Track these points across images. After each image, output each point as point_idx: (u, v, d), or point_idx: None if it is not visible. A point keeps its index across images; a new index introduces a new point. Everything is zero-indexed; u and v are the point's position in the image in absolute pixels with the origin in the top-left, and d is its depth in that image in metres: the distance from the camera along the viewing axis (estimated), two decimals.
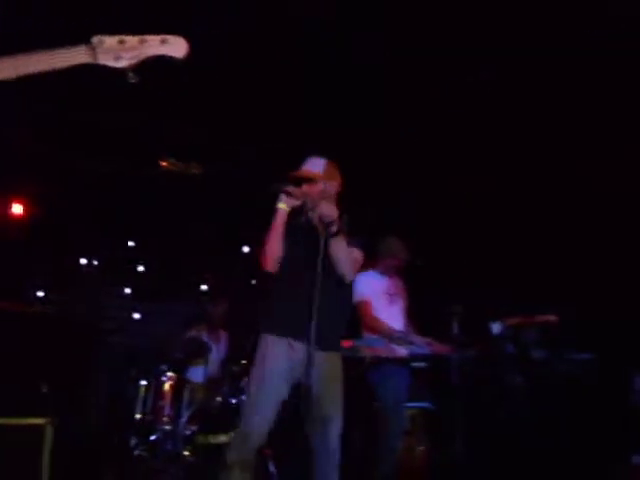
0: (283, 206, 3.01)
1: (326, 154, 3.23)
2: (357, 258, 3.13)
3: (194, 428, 4.46)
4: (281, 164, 3.14)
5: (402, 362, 4.39)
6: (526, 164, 5.26)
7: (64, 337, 4.71)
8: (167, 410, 4.63)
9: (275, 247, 2.99)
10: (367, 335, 4.48)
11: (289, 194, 3.00)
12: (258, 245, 3.07)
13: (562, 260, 5.16)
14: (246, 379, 4.19)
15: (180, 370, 4.88)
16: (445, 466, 4.25)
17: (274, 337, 2.98)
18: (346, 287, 3.12)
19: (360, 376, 4.30)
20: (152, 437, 4.53)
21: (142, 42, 1.74)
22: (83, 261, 6.92)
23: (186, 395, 4.69)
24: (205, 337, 5.21)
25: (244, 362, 4.67)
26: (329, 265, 2.93)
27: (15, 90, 1.73)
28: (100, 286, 6.75)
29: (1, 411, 3.25)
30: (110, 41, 1.74)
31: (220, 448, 4.13)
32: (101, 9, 4.02)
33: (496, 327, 4.40)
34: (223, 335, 5.49)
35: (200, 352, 5.01)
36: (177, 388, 4.74)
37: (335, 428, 2.94)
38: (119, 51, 1.73)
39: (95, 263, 6.91)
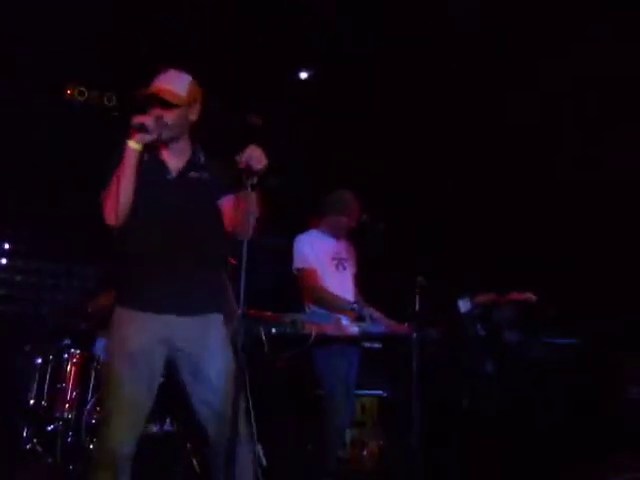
0: (135, 145, 2.72)
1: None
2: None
3: None
4: None
5: (353, 342, 4.24)
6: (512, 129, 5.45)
7: None
8: (69, 394, 4.48)
9: (119, 195, 2.71)
10: (311, 308, 4.34)
11: (142, 127, 2.71)
12: (100, 192, 2.79)
13: (544, 231, 5.20)
14: None
15: (86, 345, 4.71)
16: (400, 464, 4.19)
17: (126, 311, 2.81)
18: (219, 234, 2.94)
19: (302, 357, 4.15)
20: (49, 427, 4.38)
21: None
22: None
23: (92, 376, 4.53)
24: None
25: None
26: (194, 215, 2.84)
27: None
28: None
29: None
30: None
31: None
32: None
33: (464, 304, 4.28)
34: None
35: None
36: (82, 367, 4.59)
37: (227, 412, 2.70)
38: None
39: None
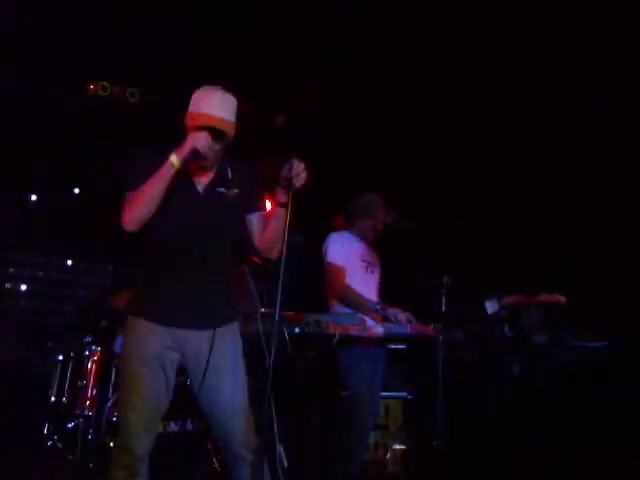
0: (177, 162, 2.74)
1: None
2: None
3: None
4: None
5: (377, 343, 4.24)
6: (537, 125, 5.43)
7: None
8: (89, 391, 4.50)
9: (145, 203, 2.74)
10: (336, 306, 4.34)
11: (197, 153, 2.74)
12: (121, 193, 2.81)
13: (574, 231, 5.13)
14: None
15: (107, 342, 4.76)
16: (424, 469, 4.21)
17: (139, 320, 2.84)
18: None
19: (326, 358, 4.16)
20: (69, 425, 4.42)
21: None
22: None
23: (113, 373, 4.54)
24: None
25: None
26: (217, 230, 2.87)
27: None
28: None
29: None
30: None
31: (156, 439, 3.99)
32: None
33: (492, 305, 4.24)
34: None
35: None
36: (102, 364, 4.63)
37: (238, 420, 2.84)
38: None
39: None
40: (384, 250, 4.62)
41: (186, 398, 3.74)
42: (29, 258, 5.79)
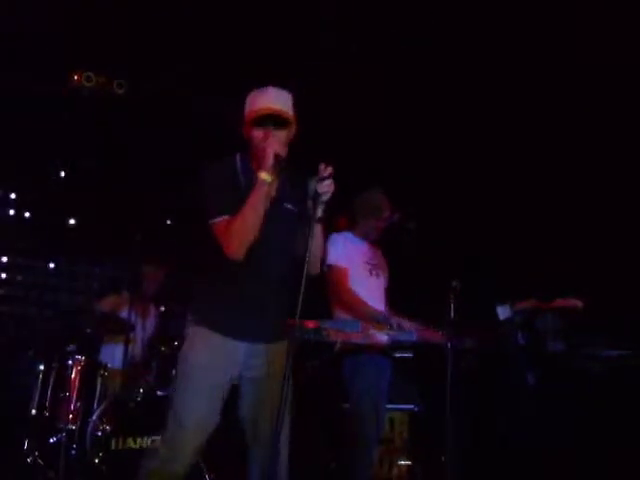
0: (268, 177, 2.75)
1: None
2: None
3: (108, 428, 4.27)
4: None
5: (382, 351, 4.14)
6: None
7: None
8: (73, 404, 4.42)
9: (251, 229, 2.77)
10: (338, 312, 4.26)
11: (279, 160, 2.74)
12: (212, 219, 2.83)
13: (591, 234, 5.10)
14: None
15: (92, 351, 4.77)
16: None
17: (208, 331, 2.87)
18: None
19: (326, 367, 4.16)
20: (52, 439, 4.35)
21: None
22: None
23: (99, 384, 4.55)
24: (126, 311, 4.93)
25: (176, 343, 4.53)
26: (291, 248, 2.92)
27: None
28: None
29: None
30: None
31: (142, 455, 3.87)
32: None
33: (504, 311, 4.18)
34: (152, 310, 5.23)
35: (119, 328, 4.82)
36: (86, 375, 4.56)
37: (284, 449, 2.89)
38: None
39: None
40: (387, 252, 4.56)
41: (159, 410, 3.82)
42: (8, 261, 5.69)
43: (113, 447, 4.13)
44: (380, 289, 4.40)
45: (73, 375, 4.47)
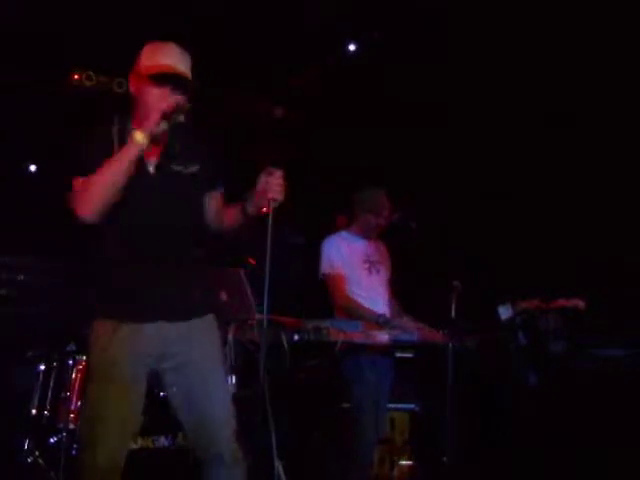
0: (143, 138, 2.49)
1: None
2: None
3: None
4: None
5: (383, 351, 4.17)
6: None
7: None
8: (73, 404, 4.36)
9: (108, 188, 2.47)
10: (338, 316, 4.28)
11: (168, 114, 2.51)
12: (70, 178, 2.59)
13: (593, 231, 5.09)
14: None
15: None
16: None
17: (109, 322, 2.63)
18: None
19: (327, 367, 4.14)
20: (52, 440, 4.30)
21: None
22: None
23: None
24: None
25: None
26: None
27: None
28: None
29: None
30: None
31: (142, 455, 4.00)
32: None
33: (505, 311, 4.19)
34: None
35: None
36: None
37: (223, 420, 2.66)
38: None
39: None
40: (391, 252, 4.58)
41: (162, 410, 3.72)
42: (5, 260, 5.68)
43: None
44: (381, 286, 4.40)
45: (74, 375, 4.41)
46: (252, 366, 3.34)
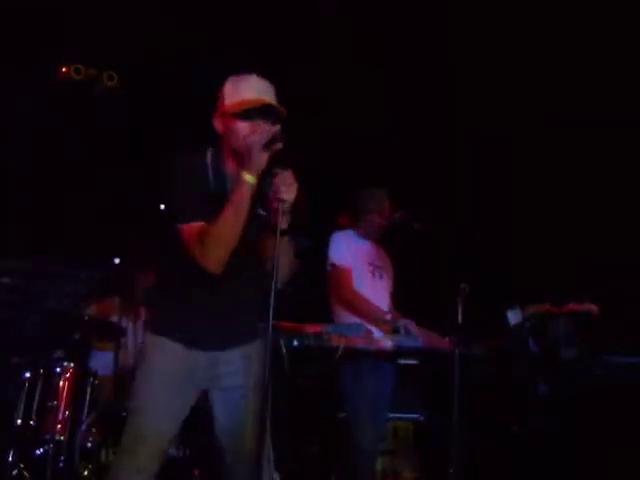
0: (251, 178, 2.44)
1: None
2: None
3: (98, 439, 4.26)
4: None
5: (386, 357, 4.13)
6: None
7: None
8: (61, 413, 4.37)
9: (232, 240, 2.48)
10: (342, 315, 4.23)
11: (268, 146, 2.43)
12: (181, 222, 2.55)
13: (606, 234, 5.09)
14: None
15: (81, 357, 4.69)
16: None
17: (163, 339, 2.67)
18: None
19: (327, 373, 4.09)
20: (38, 451, 4.28)
21: None
22: None
23: (88, 393, 4.48)
24: (116, 315, 4.93)
25: None
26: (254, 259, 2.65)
27: None
28: None
29: None
30: None
31: None
32: None
33: (515, 316, 4.19)
34: (143, 315, 5.25)
35: (109, 334, 4.80)
36: (75, 383, 4.50)
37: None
38: None
39: None
40: (391, 253, 4.55)
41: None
42: None
43: (103, 459, 4.11)
44: (384, 291, 4.40)
45: (61, 383, 4.40)
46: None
